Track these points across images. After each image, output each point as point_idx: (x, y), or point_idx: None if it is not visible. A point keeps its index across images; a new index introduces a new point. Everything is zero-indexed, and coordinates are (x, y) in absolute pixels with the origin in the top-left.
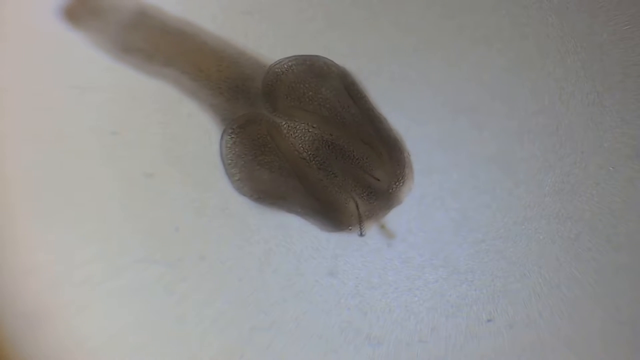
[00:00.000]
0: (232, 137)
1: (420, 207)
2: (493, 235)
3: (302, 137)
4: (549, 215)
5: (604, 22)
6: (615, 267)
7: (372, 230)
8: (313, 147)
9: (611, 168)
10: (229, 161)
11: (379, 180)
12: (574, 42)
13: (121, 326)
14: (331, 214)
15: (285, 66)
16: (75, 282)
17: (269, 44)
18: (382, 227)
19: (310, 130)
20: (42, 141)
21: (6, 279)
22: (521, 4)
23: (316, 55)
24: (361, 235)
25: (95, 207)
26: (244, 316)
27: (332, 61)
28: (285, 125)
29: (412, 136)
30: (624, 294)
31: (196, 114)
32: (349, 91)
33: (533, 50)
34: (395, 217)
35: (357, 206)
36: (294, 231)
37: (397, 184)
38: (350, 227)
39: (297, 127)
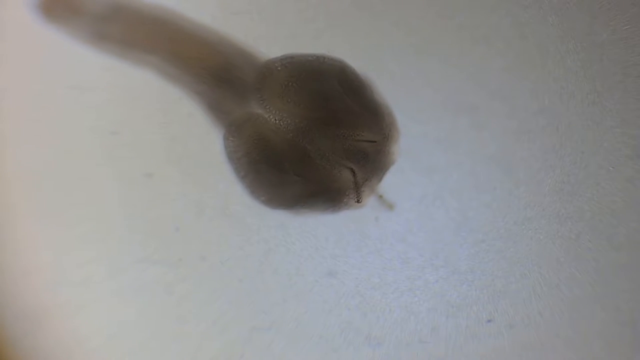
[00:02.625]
0: (233, 141)
1: (420, 207)
2: (493, 235)
3: (294, 129)
4: (549, 215)
5: (604, 22)
6: (615, 267)
7: (370, 200)
8: (304, 137)
9: (611, 168)
10: (237, 165)
11: (368, 141)
12: (574, 42)
13: (121, 326)
14: (331, 191)
15: (281, 63)
16: (75, 282)
17: (268, 44)
18: (380, 196)
19: (300, 122)
20: (42, 141)
21: (6, 279)
22: (521, 4)
23: (310, 54)
24: (358, 201)
25: (95, 207)
26: (244, 316)
27: (330, 58)
28: (277, 120)
29: (412, 136)
30: (624, 294)
31: (196, 114)
32: (343, 85)
33: (533, 50)
34: (395, 217)
35: (353, 173)
36: (294, 231)
37: (384, 140)
38: (348, 197)
39: (288, 120)
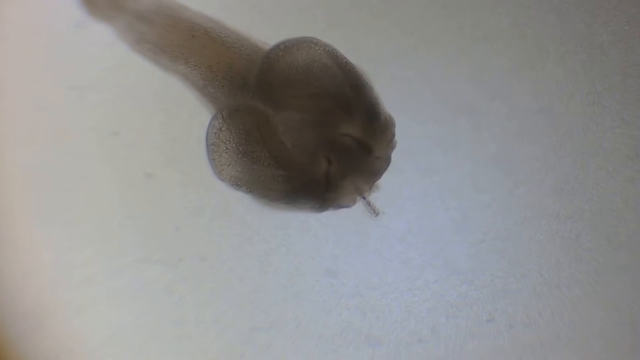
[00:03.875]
0: (220, 122)
1: (420, 207)
2: (493, 235)
3: (290, 127)
4: (549, 215)
5: (604, 22)
6: (615, 267)
7: (355, 203)
8: (299, 135)
9: (611, 168)
10: (212, 146)
11: (350, 136)
12: (574, 42)
13: (121, 326)
14: (305, 185)
15: (278, 53)
16: (75, 282)
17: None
18: (367, 201)
19: (298, 118)
20: (42, 141)
21: (6, 279)
22: (521, 4)
23: (302, 37)
24: (326, 190)
25: (95, 207)
26: (244, 316)
27: (319, 40)
28: (275, 117)
29: (412, 136)
30: (624, 294)
31: (196, 114)
32: (338, 66)
33: (533, 50)
34: (395, 217)
35: (329, 161)
36: (294, 231)
37: (370, 139)
38: (327, 191)
39: (287, 117)
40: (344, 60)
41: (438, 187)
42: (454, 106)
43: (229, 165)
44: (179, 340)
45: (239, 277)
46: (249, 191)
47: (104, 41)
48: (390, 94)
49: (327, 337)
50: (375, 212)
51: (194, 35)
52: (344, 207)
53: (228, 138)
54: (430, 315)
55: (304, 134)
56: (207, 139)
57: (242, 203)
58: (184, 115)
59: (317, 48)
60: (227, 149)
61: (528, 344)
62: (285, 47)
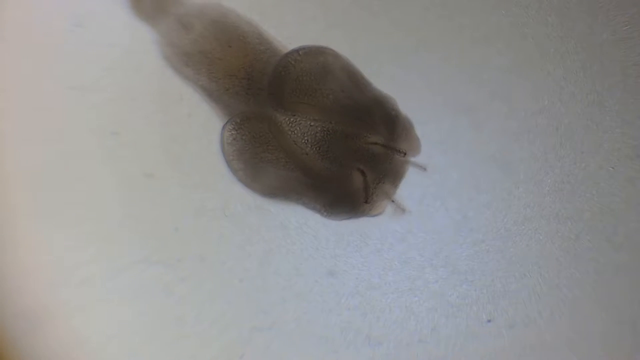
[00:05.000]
0: (232, 133)
1: (420, 207)
2: (493, 235)
3: (304, 132)
4: (549, 215)
5: (604, 22)
6: (615, 267)
7: (386, 209)
8: (315, 140)
9: (611, 168)
10: (231, 156)
11: (379, 144)
12: (574, 42)
13: (121, 326)
14: (343, 197)
15: (295, 58)
16: (75, 282)
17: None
18: (393, 202)
19: (312, 124)
20: (42, 141)
21: (6, 279)
22: (521, 4)
23: (322, 47)
24: (366, 202)
25: (95, 207)
26: (244, 316)
27: (337, 52)
28: (287, 122)
29: None
30: (624, 294)
31: (196, 114)
32: (352, 80)
33: (533, 50)
34: (395, 217)
35: (363, 173)
36: (293, 231)
37: (394, 143)
38: (359, 201)
39: (300, 122)
40: (360, 75)
41: (438, 187)
42: (453, 106)
43: (254, 175)
44: (179, 340)
45: (238, 278)
46: (285, 197)
47: (104, 41)
48: (390, 94)
49: (327, 337)
50: (403, 210)
51: (230, 46)
52: (376, 215)
53: (245, 147)
54: (430, 315)
55: (332, 145)
56: (223, 151)
57: (242, 203)
58: (184, 115)
59: (335, 60)
60: (246, 158)
61: (528, 344)
62: (305, 53)
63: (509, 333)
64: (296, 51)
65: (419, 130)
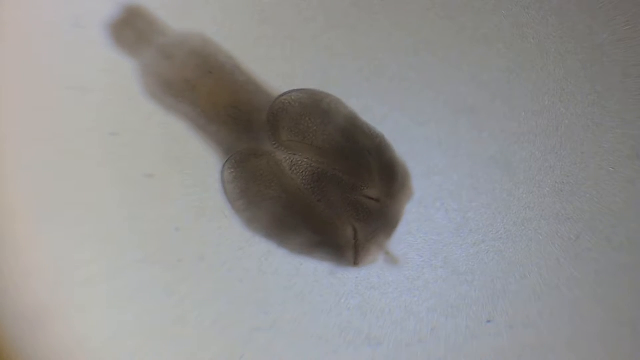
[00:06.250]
0: (232, 172)
1: (420, 208)
2: (493, 236)
3: (304, 172)
4: (549, 216)
5: (604, 22)
6: (615, 267)
7: (377, 260)
8: (313, 181)
9: (611, 169)
10: (234, 196)
11: (373, 199)
12: (574, 43)
13: (121, 326)
14: (333, 246)
15: (293, 98)
16: (75, 282)
17: (268, 44)
18: (387, 253)
19: (312, 165)
20: (42, 141)
21: (6, 279)
22: (521, 4)
23: (325, 93)
24: (355, 264)
25: (95, 207)
26: (244, 317)
27: (341, 101)
28: (286, 160)
29: (412, 137)
30: (624, 294)
31: None
32: (354, 130)
33: (533, 51)
34: None
35: (355, 233)
36: None
37: (390, 200)
38: (348, 257)
39: (299, 161)
40: (364, 124)
41: (438, 188)
42: (454, 107)
43: (256, 213)
44: (179, 340)
45: (238, 278)
46: (280, 241)
47: (104, 41)
48: (390, 94)
49: (327, 337)
50: (395, 262)
51: (210, 72)
52: (366, 266)
53: (246, 186)
54: (430, 316)
55: (328, 190)
56: (225, 192)
57: None
58: None
59: (337, 108)
60: (249, 197)
61: (528, 344)
62: (306, 97)
63: (508, 333)
64: (295, 92)
65: (419, 131)
